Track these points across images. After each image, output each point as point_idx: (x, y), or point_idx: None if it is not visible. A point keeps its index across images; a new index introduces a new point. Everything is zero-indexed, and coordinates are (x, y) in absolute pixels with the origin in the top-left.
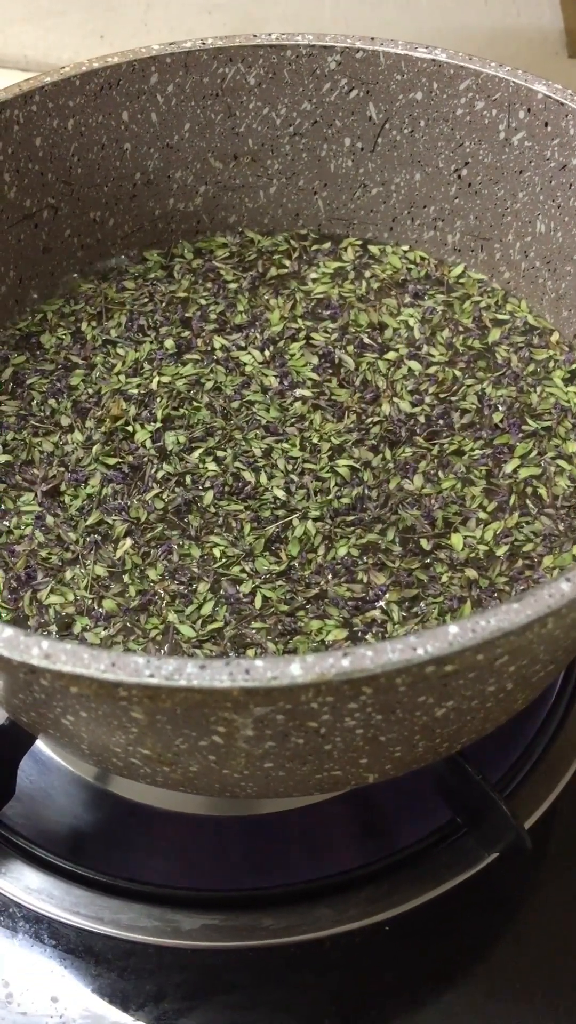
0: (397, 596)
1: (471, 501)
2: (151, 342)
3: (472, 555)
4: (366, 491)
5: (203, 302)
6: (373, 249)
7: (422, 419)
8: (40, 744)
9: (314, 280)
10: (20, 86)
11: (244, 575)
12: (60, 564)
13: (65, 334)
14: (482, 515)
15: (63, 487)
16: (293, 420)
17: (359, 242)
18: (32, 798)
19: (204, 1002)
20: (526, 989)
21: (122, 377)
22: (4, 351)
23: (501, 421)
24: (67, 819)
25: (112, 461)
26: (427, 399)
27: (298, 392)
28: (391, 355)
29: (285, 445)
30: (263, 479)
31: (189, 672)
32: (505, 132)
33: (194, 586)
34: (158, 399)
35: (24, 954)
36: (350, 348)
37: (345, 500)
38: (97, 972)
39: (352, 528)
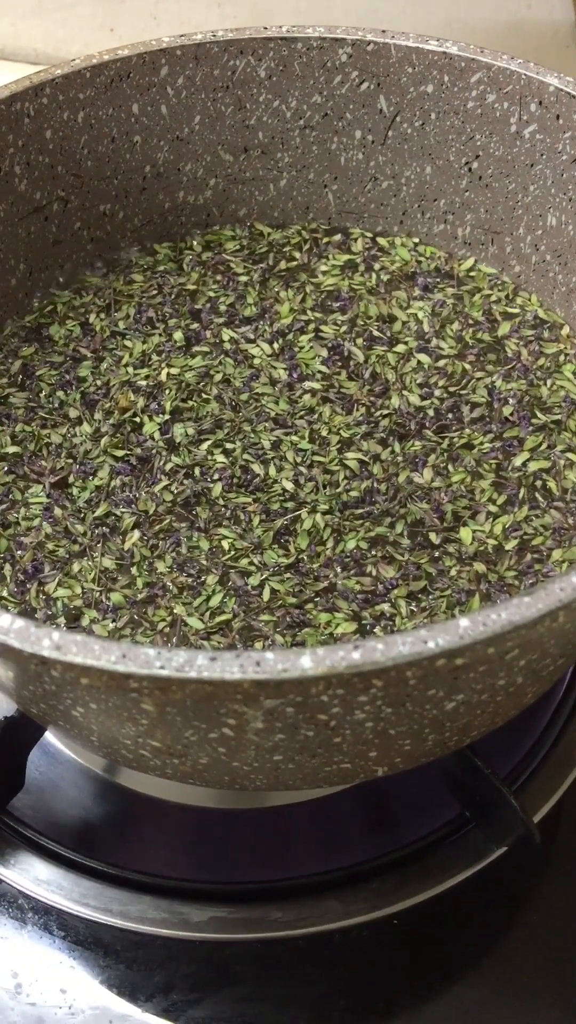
0: (405, 590)
1: (480, 495)
2: (160, 334)
3: (481, 549)
4: (375, 484)
5: (212, 294)
6: (382, 241)
7: (431, 412)
8: (49, 736)
9: (324, 272)
10: (31, 79)
11: (253, 567)
12: (67, 556)
13: (74, 326)
14: (491, 508)
15: (71, 479)
16: (302, 413)
17: (369, 234)
18: (41, 790)
19: (212, 994)
20: (534, 983)
21: (130, 369)
22: (15, 343)
23: (511, 414)
24: (76, 811)
25: (120, 453)
26: (436, 392)
27: (307, 385)
28: (400, 348)
29: (294, 438)
30: (272, 471)
31: (200, 664)
32: (516, 125)
33: (202, 578)
34: (167, 391)
35: (33, 945)
36: (359, 341)
37: (354, 493)
38: (106, 963)
39: (361, 521)
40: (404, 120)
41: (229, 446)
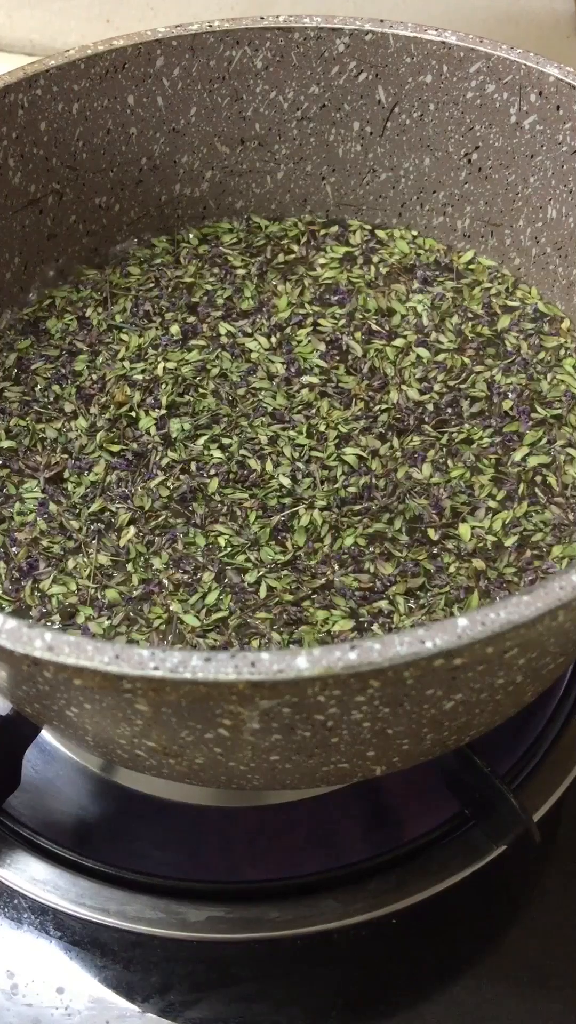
0: (403, 587)
1: (480, 490)
2: (157, 328)
3: (480, 545)
4: (373, 480)
5: (209, 288)
6: (381, 234)
7: (430, 407)
8: (45, 734)
9: (322, 265)
10: (24, 70)
11: (249, 564)
12: (62, 553)
13: (71, 320)
14: (491, 504)
15: (66, 474)
16: (300, 407)
17: (368, 226)
18: (37, 788)
19: (210, 994)
20: (534, 981)
21: (127, 363)
22: (11, 336)
23: (511, 409)
24: (72, 810)
25: (116, 448)
26: (436, 387)
27: (305, 379)
28: (399, 342)
29: (292, 433)
30: (269, 467)
31: (194, 665)
32: (516, 116)
33: (199, 575)
34: (163, 385)
35: (29, 945)
36: (358, 335)
37: (352, 489)
38: (103, 963)
39: (359, 517)
40: (403, 111)
41: (226, 441)
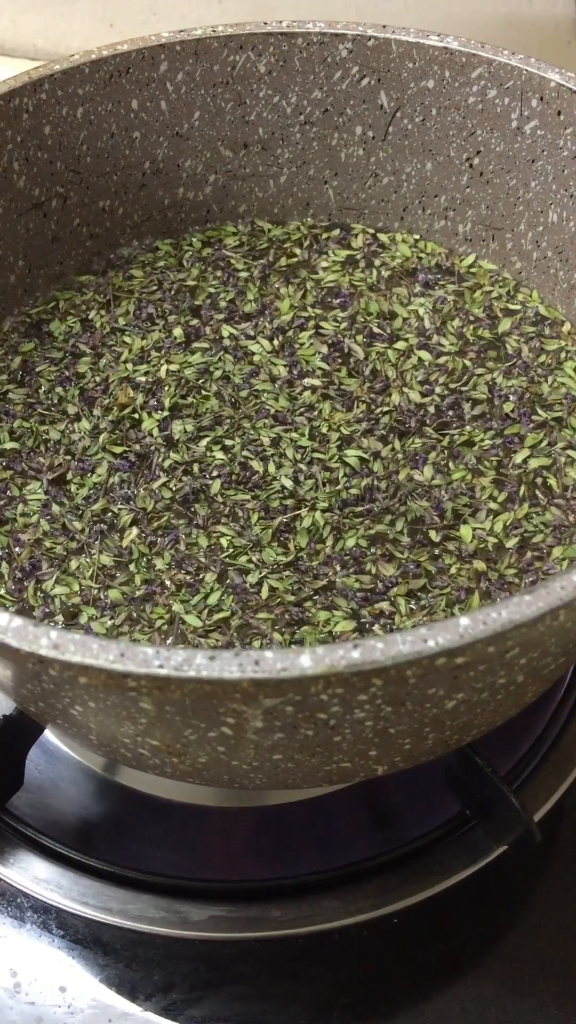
0: (405, 588)
1: (481, 492)
2: (160, 330)
3: (481, 546)
4: (375, 482)
5: (212, 290)
6: (383, 237)
7: (432, 409)
8: (48, 734)
9: (324, 269)
10: (29, 74)
11: (251, 565)
12: (65, 554)
13: (74, 322)
14: (492, 506)
15: (69, 476)
16: (302, 409)
17: (370, 230)
18: (40, 788)
19: (212, 993)
20: (535, 981)
21: (130, 365)
22: (15, 338)
23: (511, 411)
24: (75, 809)
25: (119, 450)
26: (437, 389)
27: (307, 381)
28: (401, 345)
29: (294, 435)
30: (271, 468)
31: (198, 663)
32: (517, 121)
33: (201, 576)
34: (166, 387)
35: (32, 944)
36: (360, 337)
37: (354, 491)
38: (105, 962)
39: (361, 519)
40: (405, 116)
41: (228, 443)
